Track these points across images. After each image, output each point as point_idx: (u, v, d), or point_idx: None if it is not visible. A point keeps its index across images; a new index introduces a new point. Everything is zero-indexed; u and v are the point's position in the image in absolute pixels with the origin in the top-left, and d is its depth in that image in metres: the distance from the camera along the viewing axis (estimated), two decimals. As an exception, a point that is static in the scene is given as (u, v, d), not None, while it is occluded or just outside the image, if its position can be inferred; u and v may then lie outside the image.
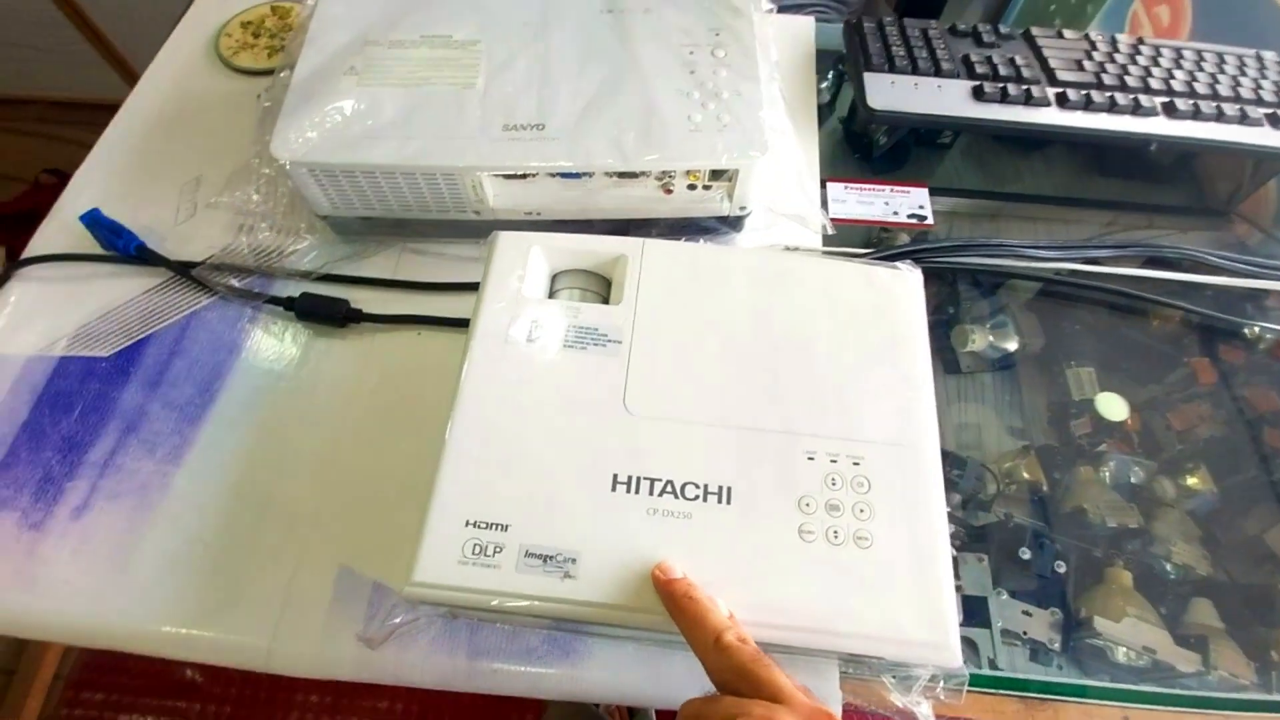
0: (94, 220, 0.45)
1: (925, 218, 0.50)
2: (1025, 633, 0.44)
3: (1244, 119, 0.49)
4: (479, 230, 0.40)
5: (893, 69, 0.51)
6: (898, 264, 0.37)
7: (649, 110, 0.41)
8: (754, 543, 0.30)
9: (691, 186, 0.43)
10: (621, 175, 0.42)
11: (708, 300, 0.36)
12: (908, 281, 0.36)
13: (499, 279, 0.36)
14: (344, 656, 0.36)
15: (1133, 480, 0.50)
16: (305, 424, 0.42)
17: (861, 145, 0.56)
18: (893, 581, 0.29)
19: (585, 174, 0.41)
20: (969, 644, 0.42)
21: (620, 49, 0.43)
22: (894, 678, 0.32)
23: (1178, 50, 0.53)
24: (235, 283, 0.45)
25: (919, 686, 0.31)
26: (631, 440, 0.32)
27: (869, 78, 0.50)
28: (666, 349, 0.34)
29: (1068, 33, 0.54)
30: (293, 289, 0.45)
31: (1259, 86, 0.51)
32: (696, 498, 0.31)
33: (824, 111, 0.57)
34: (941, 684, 0.30)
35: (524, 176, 0.42)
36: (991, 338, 0.54)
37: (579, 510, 0.30)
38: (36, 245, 0.48)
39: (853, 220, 0.50)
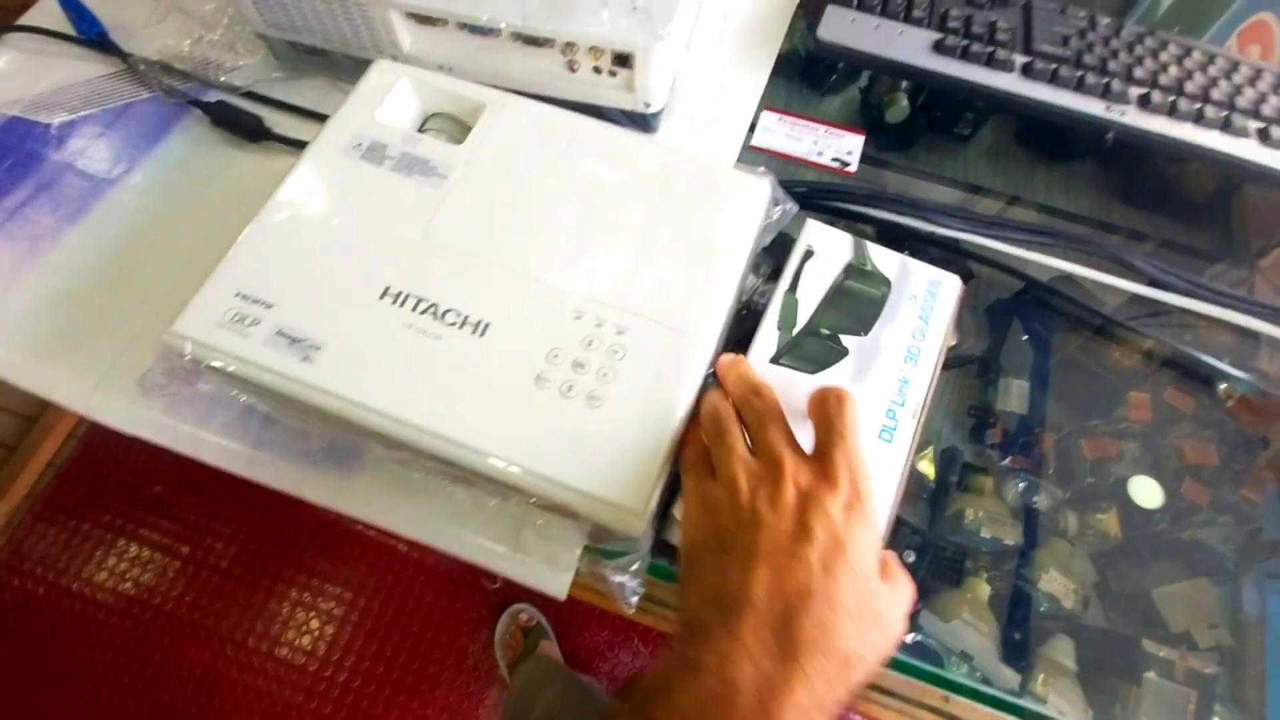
0: (67, 3, 0.49)
1: (849, 165, 0.48)
2: None
3: (1226, 126, 0.44)
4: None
5: (860, 6, 0.48)
6: (753, 171, 0.36)
7: (565, -21, 0.41)
8: (489, 376, 0.30)
9: (596, 70, 0.43)
10: (528, 41, 0.42)
11: (546, 161, 0.36)
12: (750, 186, 0.35)
13: (360, 98, 0.37)
14: (148, 418, 0.38)
15: (1036, 503, 0.47)
16: (189, 218, 0.45)
17: (870, 116, 0.53)
18: (607, 445, 0.29)
19: (492, 30, 0.42)
20: None
21: (561, -81, 0.43)
22: (613, 553, 0.32)
23: (1186, 48, 0.48)
24: (173, 83, 0.48)
25: (618, 562, 0.31)
26: (417, 262, 0.33)
27: (831, 9, 0.48)
28: (486, 193, 0.35)
29: (1073, 9, 0.50)
30: (221, 98, 0.48)
31: (1262, 100, 0.46)
32: (454, 324, 0.31)
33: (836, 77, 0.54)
34: (638, 562, 0.30)
35: (435, 23, 0.43)
36: None
37: (340, 308, 0.31)
38: (29, 18, 0.52)
39: (772, 151, 0.48)
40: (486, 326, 0.31)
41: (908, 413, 0.33)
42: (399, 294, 0.32)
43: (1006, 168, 0.57)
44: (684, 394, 0.30)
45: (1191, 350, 0.48)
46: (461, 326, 0.31)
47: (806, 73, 0.54)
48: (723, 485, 0.27)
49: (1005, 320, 0.52)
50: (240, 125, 0.46)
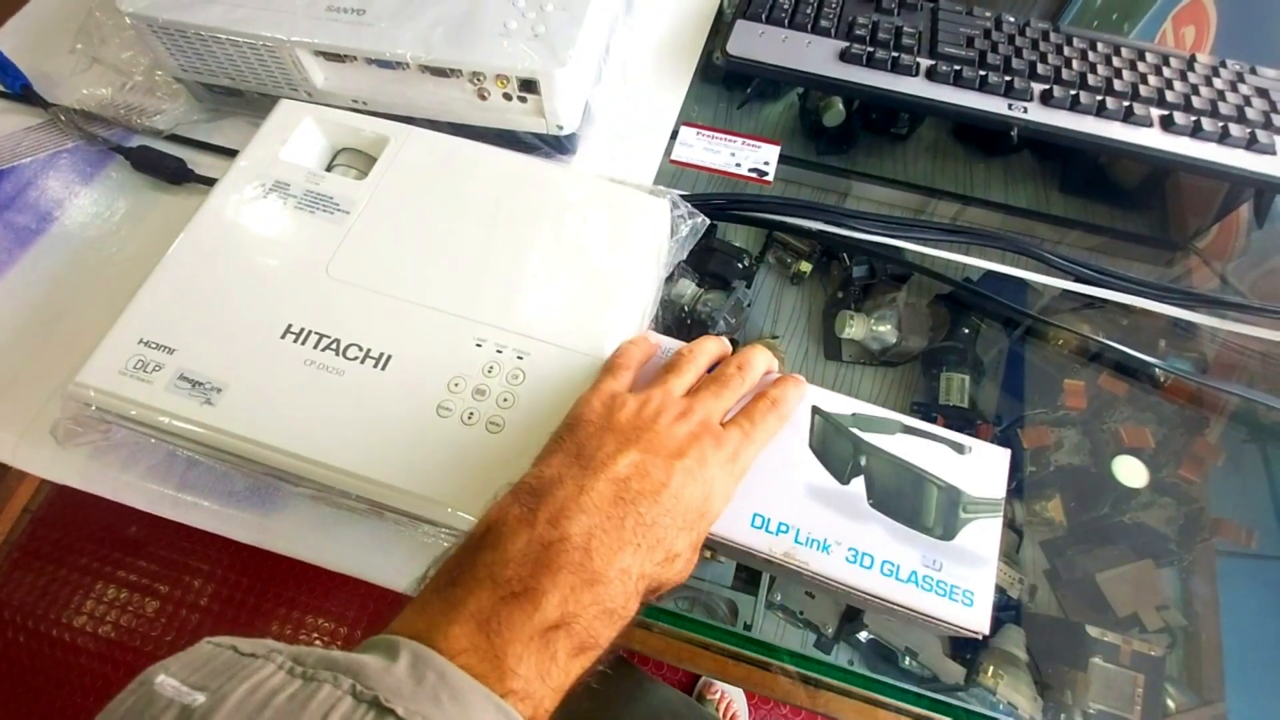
0: (-10, 56, 0.50)
1: (766, 174, 0.48)
2: (802, 612, 0.43)
3: (1128, 116, 0.45)
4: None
5: (769, 20, 0.49)
6: (649, 192, 0.37)
7: (469, 11, 0.42)
8: (391, 408, 0.31)
9: (506, 96, 0.43)
10: (436, 72, 0.43)
11: (450, 191, 0.36)
12: (651, 208, 0.36)
13: (264, 139, 0.38)
14: (74, 465, 0.39)
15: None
16: (114, 264, 0.45)
17: (808, 122, 0.55)
18: (508, 470, 0.29)
19: (399, 64, 0.42)
20: (731, 606, 0.42)
21: (465, -49, 0.44)
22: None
23: (1091, 41, 0.50)
24: (97, 131, 0.49)
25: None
26: (319, 300, 0.33)
27: (740, 24, 0.49)
28: (388, 226, 0.35)
29: (979, 11, 0.51)
30: (142, 143, 0.48)
31: (1166, 87, 0.47)
32: (356, 359, 0.32)
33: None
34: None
35: (344, 60, 0.43)
36: (873, 326, 0.52)
37: (241, 349, 0.32)
38: (-47, 76, 0.53)
39: (691, 165, 0.49)
40: (388, 359, 0.32)
41: None
42: (300, 331, 0.32)
43: (945, 164, 0.58)
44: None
45: (1119, 344, 0.49)
46: (364, 361, 0.31)
47: (729, 85, 0.55)
48: (638, 395, 0.30)
49: (945, 316, 0.52)
50: (163, 169, 0.47)
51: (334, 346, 0.32)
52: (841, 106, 0.54)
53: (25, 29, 0.55)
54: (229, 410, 0.30)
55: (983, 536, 0.31)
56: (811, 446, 0.32)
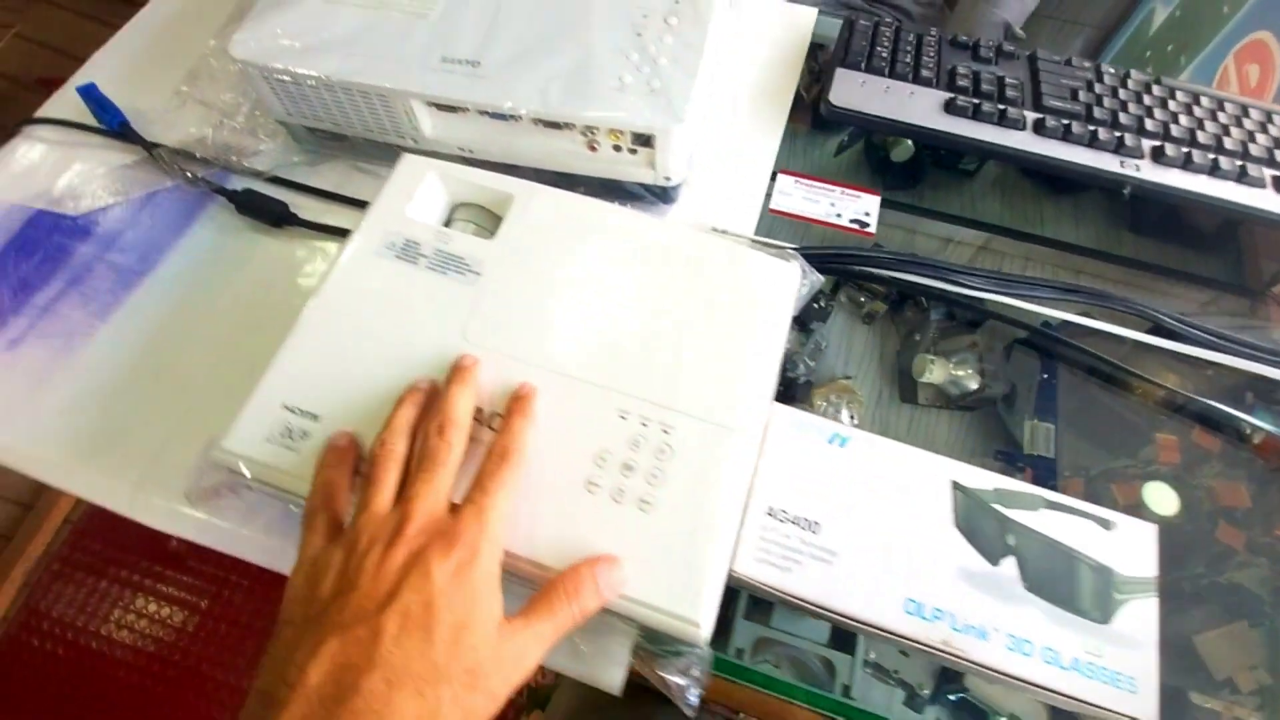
0: (88, 94, 0.50)
1: (867, 225, 0.48)
2: (897, 671, 0.43)
3: (1242, 176, 0.45)
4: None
5: (868, 69, 0.49)
6: (778, 253, 0.36)
7: (584, 64, 0.42)
8: (539, 483, 0.30)
9: (616, 148, 0.43)
10: (548, 124, 0.43)
11: (577, 252, 0.36)
12: (780, 271, 0.36)
13: (390, 196, 0.38)
14: (191, 518, 0.39)
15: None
16: (219, 307, 0.45)
17: (875, 156, 0.54)
18: (661, 550, 0.29)
19: (512, 116, 0.42)
20: (828, 666, 0.41)
21: (577, 1, 0.44)
22: (667, 651, 0.32)
23: (1195, 95, 0.49)
24: (194, 171, 0.49)
25: (681, 662, 0.31)
26: (458, 365, 0.33)
27: (840, 73, 0.49)
28: (520, 290, 0.35)
29: (1076, 61, 0.51)
30: (246, 185, 0.49)
31: (1277, 146, 0.46)
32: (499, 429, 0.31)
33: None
34: (697, 666, 0.30)
35: (456, 110, 0.43)
36: (953, 372, 0.52)
37: (384, 416, 0.32)
38: (48, 109, 0.53)
39: (791, 215, 0.48)
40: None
41: None
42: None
43: (1013, 200, 0.57)
44: (734, 493, 0.31)
45: (1209, 399, 0.48)
46: (506, 431, 0.31)
47: (822, 128, 0.55)
48: (342, 543, 0.26)
49: (1024, 361, 0.52)
50: (266, 212, 0.47)
51: (477, 415, 0.32)
52: (910, 142, 0.53)
53: (114, 64, 0.55)
54: (377, 481, 0.30)
55: (1140, 618, 0.30)
56: (957, 525, 0.32)
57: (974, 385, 0.51)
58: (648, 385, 0.32)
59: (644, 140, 0.42)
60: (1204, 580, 0.47)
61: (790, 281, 0.36)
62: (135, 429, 0.41)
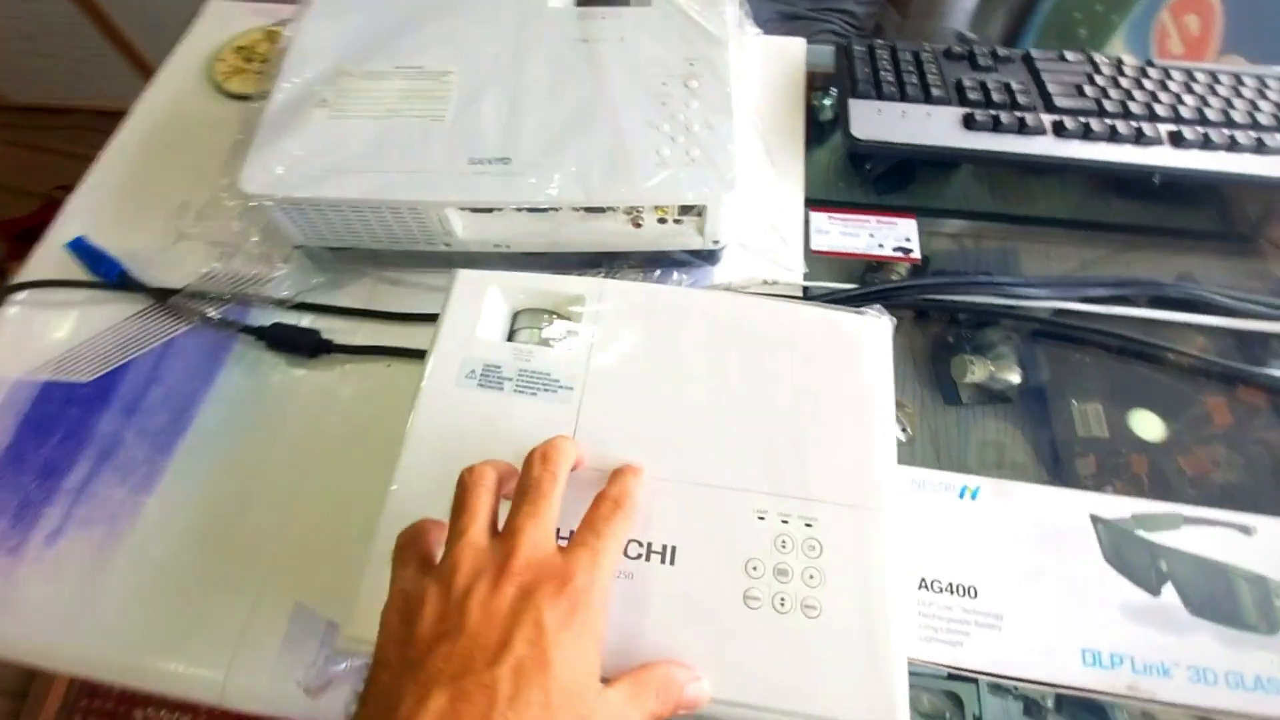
0: (79, 247, 0.46)
1: (911, 250, 0.48)
2: (1017, 688, 0.42)
3: (1260, 148, 0.46)
4: (451, 260, 0.40)
5: (880, 95, 0.49)
6: (866, 309, 0.36)
7: (617, 143, 0.40)
8: (698, 607, 0.29)
9: (661, 220, 0.42)
10: (590, 211, 0.41)
11: (663, 345, 0.35)
12: (873, 329, 0.35)
13: (453, 321, 0.36)
14: (294, 696, 0.36)
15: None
16: (272, 455, 0.42)
17: (863, 166, 0.54)
18: (839, 656, 0.28)
19: (552, 208, 0.41)
20: (953, 699, 0.41)
21: (591, 80, 0.43)
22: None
23: (1189, 72, 0.51)
24: (211, 311, 0.46)
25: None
26: (572, 494, 0.31)
27: (854, 105, 0.49)
28: (617, 398, 0.33)
29: (1070, 54, 0.52)
30: (268, 317, 0.46)
31: None
32: (639, 556, 0.30)
33: (828, 129, 0.55)
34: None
35: (491, 210, 0.41)
36: (993, 369, 0.52)
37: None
38: (30, 270, 0.49)
39: (835, 253, 0.48)
40: (673, 551, 0.30)
41: None
42: (569, 535, 0.30)
43: (997, 185, 0.58)
44: (892, 575, 0.30)
45: (1232, 358, 0.49)
46: (648, 558, 0.30)
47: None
48: (436, 576, 0.24)
49: (1052, 347, 0.52)
50: (301, 345, 0.44)
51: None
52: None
53: (92, 208, 0.52)
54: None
55: None
56: (1107, 560, 0.31)
57: (1015, 379, 0.52)
58: (777, 478, 0.31)
59: (688, 209, 0.41)
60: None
61: (885, 337, 0.35)
62: (211, 608, 0.38)
